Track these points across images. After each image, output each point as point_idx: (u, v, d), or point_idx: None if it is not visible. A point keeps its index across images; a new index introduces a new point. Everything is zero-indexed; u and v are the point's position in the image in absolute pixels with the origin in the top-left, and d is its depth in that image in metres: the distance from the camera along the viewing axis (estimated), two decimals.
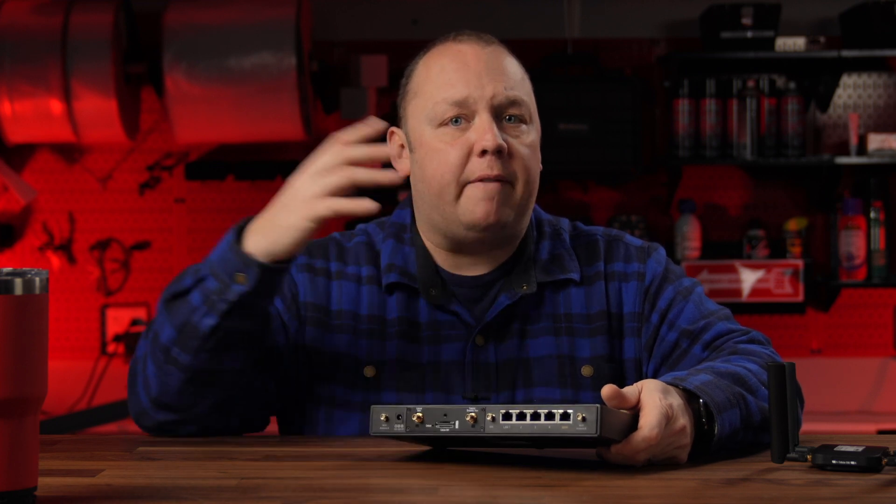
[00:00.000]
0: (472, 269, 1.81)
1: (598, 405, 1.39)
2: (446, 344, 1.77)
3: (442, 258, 1.82)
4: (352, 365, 1.78)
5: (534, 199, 1.79)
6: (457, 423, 1.44)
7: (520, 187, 1.75)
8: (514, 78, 1.77)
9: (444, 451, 1.57)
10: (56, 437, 1.71)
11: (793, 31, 4.51)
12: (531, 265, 1.80)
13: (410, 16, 4.56)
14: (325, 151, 1.62)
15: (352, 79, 4.49)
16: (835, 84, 4.46)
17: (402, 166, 1.82)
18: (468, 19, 4.55)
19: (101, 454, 1.60)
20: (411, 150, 1.80)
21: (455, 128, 1.74)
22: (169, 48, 4.25)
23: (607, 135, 4.34)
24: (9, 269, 1.25)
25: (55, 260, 4.57)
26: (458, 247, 1.79)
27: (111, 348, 4.52)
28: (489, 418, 1.43)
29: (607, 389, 1.44)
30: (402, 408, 1.48)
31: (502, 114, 1.75)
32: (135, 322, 4.53)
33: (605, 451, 1.46)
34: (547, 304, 1.80)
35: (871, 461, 1.42)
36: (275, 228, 1.63)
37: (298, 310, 1.80)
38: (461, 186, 1.73)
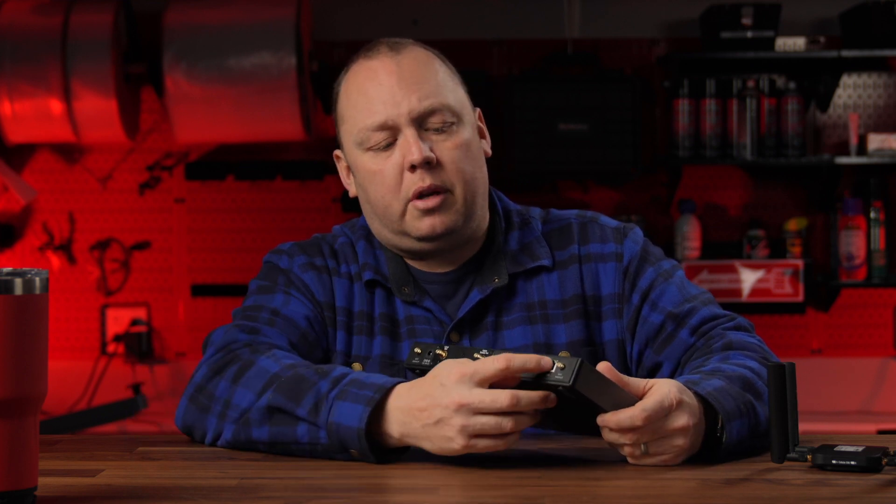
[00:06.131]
0: (441, 266, 1.82)
1: (580, 358, 1.41)
2: (422, 340, 1.79)
3: (410, 259, 1.84)
4: (345, 362, 1.80)
5: (482, 193, 1.80)
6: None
7: (459, 191, 1.76)
8: (429, 84, 1.77)
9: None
10: (56, 437, 1.71)
11: (793, 31, 4.51)
12: (501, 257, 1.82)
13: (410, 16, 4.56)
14: (494, 372, 1.45)
15: None
16: (835, 84, 4.46)
17: (351, 188, 1.86)
18: (468, 19, 4.55)
19: (101, 454, 1.60)
20: (353, 174, 1.83)
21: (384, 147, 1.76)
22: (169, 48, 4.25)
23: (607, 135, 4.34)
24: (9, 269, 1.25)
25: (55, 260, 4.56)
26: (417, 256, 1.82)
27: (111, 348, 4.52)
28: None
29: (602, 364, 1.45)
30: (435, 345, 1.58)
31: (425, 123, 1.76)
32: (135, 322, 4.53)
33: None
34: (520, 294, 1.81)
35: (871, 461, 1.42)
36: (415, 440, 1.51)
37: (322, 311, 1.81)
38: (403, 204, 1.76)
